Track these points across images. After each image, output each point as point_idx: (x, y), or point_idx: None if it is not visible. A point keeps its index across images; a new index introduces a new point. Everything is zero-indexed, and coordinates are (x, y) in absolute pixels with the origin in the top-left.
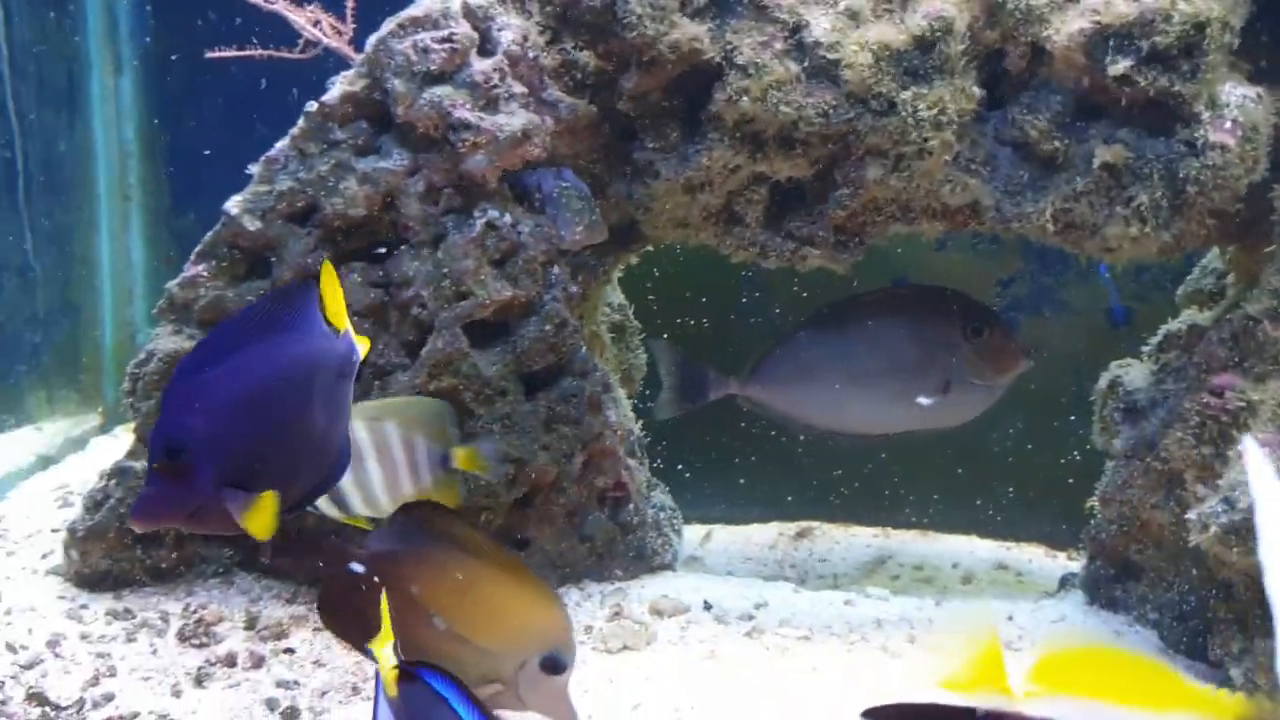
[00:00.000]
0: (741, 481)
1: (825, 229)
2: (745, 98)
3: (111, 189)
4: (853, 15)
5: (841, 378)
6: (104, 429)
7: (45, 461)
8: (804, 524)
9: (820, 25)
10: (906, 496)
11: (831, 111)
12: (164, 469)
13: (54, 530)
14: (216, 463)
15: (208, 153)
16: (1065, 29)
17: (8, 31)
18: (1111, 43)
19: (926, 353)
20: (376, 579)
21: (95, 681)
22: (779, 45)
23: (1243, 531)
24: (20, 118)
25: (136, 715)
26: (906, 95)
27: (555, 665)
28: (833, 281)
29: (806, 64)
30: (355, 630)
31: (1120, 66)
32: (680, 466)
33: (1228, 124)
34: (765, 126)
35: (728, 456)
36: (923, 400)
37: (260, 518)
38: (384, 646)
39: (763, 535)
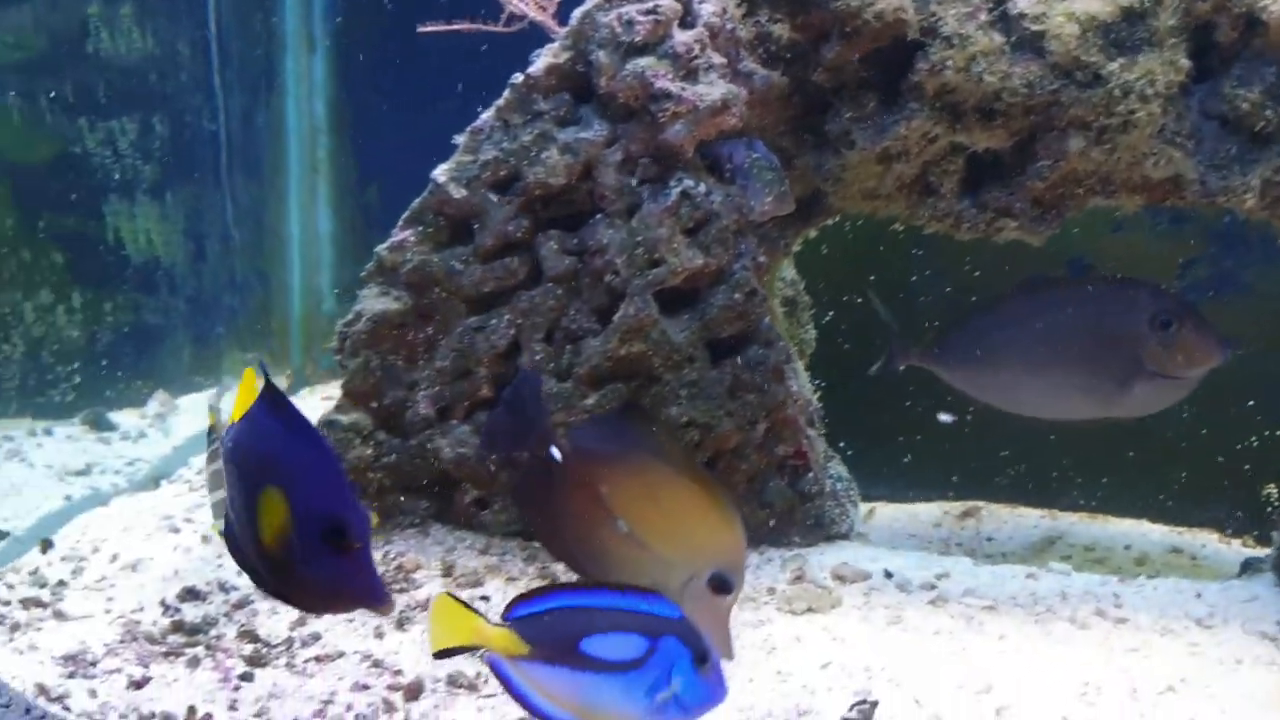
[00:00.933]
0: (905, 460)
1: (1023, 200)
2: (948, 68)
3: (302, 163)
4: None
5: (1021, 363)
6: (291, 391)
7: None
8: (969, 504)
9: None
10: (1074, 479)
11: (1036, 82)
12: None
13: None
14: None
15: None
16: None
17: (217, 16)
18: None
19: (1110, 344)
20: (572, 473)
21: (302, 622)
22: (984, 16)
23: None
24: (225, 93)
25: (342, 654)
26: (1113, 67)
27: (722, 584)
28: (1005, 261)
29: (1011, 35)
30: (539, 516)
31: None
32: (843, 444)
33: None
34: (966, 97)
35: (891, 435)
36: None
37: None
38: (478, 631)
39: (927, 513)
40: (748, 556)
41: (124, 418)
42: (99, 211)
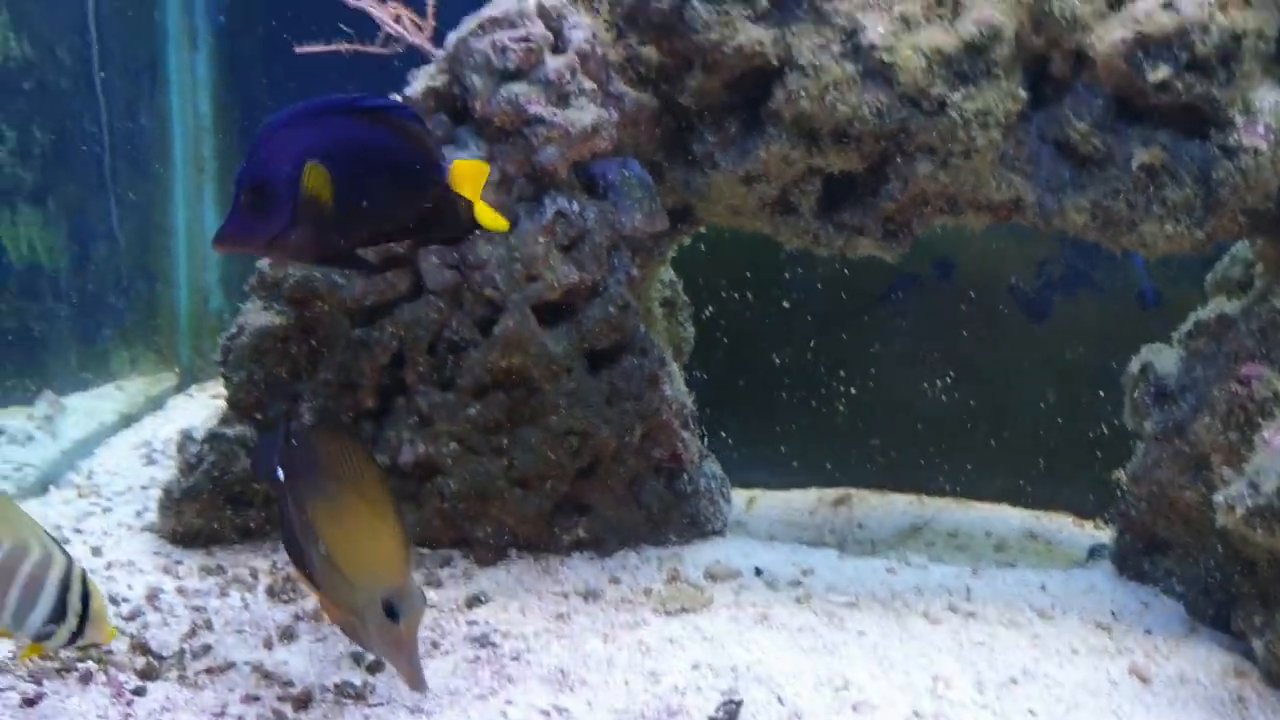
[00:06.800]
0: (782, 449)
1: (875, 220)
2: (804, 96)
3: (187, 160)
4: (906, 20)
5: None
6: (179, 388)
7: (127, 419)
8: (843, 490)
9: (876, 29)
10: (940, 465)
11: (885, 111)
12: (249, 200)
13: (143, 487)
14: (293, 197)
15: None
16: (1108, 37)
17: (96, 10)
18: (1152, 51)
19: None
20: (290, 495)
21: (193, 634)
22: (836, 48)
23: (1266, 514)
24: (106, 94)
25: (233, 665)
26: (956, 96)
27: (389, 609)
28: (871, 259)
29: (862, 65)
30: (281, 530)
31: (1160, 74)
32: (724, 434)
33: (1260, 128)
34: (822, 123)
35: (769, 425)
36: None
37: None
38: None
39: (803, 500)
40: (418, 585)
41: (10, 419)
42: None
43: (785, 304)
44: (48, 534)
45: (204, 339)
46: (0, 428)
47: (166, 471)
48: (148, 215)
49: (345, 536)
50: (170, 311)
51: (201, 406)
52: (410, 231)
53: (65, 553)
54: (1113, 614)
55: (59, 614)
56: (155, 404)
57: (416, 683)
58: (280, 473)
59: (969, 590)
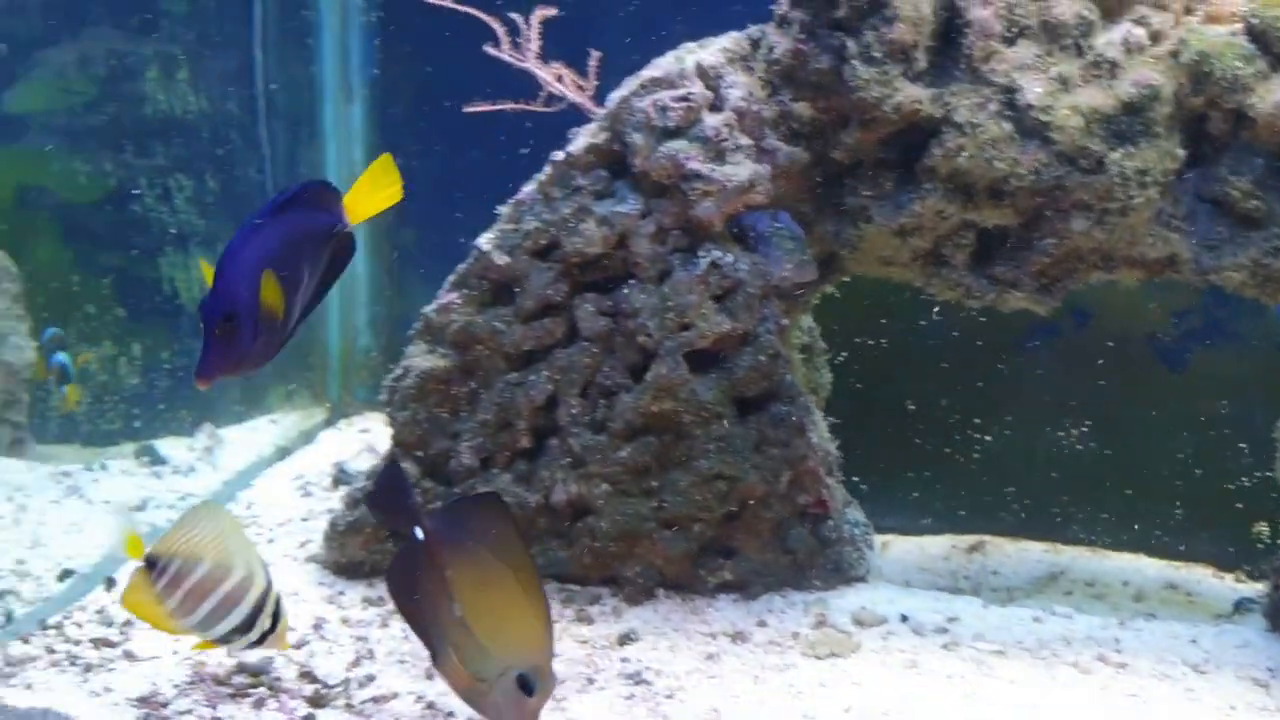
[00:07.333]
0: (915, 495)
1: (1029, 274)
2: (962, 154)
3: None
4: (1064, 81)
5: None
6: (329, 423)
7: (282, 452)
8: (976, 538)
9: (1033, 89)
10: (1075, 514)
11: (1042, 169)
12: (221, 332)
13: (302, 519)
14: (254, 317)
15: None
16: (1270, 98)
17: (264, 66)
18: None
19: None
20: (428, 553)
21: (357, 663)
22: (994, 106)
23: None
24: (271, 146)
25: (396, 695)
26: (1115, 155)
27: (525, 683)
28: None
29: (1019, 124)
30: (398, 588)
31: None
32: (856, 478)
33: None
34: (977, 180)
35: (901, 471)
36: None
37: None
38: None
39: (936, 547)
40: (554, 657)
41: (172, 449)
42: (157, 265)
43: (919, 350)
44: (256, 556)
45: (352, 376)
46: (164, 458)
47: (322, 504)
48: None
49: (488, 606)
50: (322, 349)
51: (350, 441)
52: (328, 283)
53: (267, 576)
54: (1269, 671)
55: (244, 629)
56: (307, 437)
57: None
58: (419, 532)
59: (1118, 641)
